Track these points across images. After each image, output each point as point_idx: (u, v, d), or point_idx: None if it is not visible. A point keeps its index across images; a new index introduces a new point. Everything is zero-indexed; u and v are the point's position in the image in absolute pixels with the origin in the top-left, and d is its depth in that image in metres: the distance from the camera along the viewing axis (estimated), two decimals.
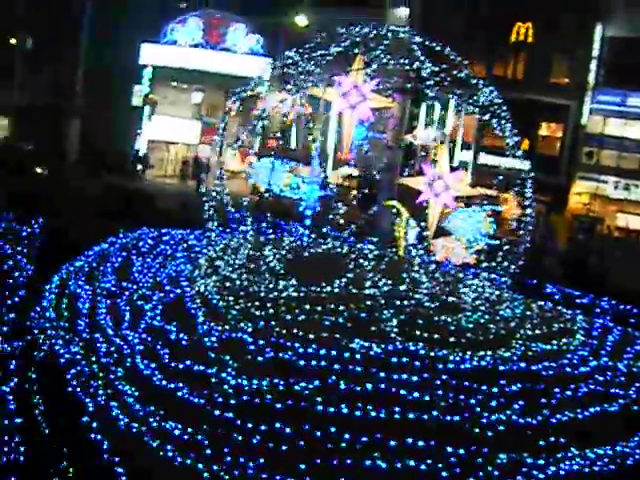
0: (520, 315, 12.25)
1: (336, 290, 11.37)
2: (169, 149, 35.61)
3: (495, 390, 9.22)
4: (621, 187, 29.19)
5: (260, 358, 9.04)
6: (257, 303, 10.68)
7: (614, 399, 9.87)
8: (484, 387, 9.16)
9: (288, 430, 7.55)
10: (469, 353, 10.08)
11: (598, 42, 29.59)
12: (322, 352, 9.31)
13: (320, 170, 13.20)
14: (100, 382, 8.49)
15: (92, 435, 7.46)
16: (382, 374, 8.94)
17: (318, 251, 12.73)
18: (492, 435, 8.20)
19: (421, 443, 7.68)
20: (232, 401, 8.07)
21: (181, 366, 8.83)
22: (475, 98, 13.04)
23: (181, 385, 8.37)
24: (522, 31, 30.59)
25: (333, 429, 7.68)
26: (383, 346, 9.74)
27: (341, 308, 10.71)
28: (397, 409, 8.24)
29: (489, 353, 10.27)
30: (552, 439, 8.31)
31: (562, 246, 25.86)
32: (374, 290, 11.48)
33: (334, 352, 9.35)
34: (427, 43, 12.37)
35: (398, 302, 11.15)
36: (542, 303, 13.76)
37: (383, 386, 8.68)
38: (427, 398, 8.62)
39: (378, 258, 12.49)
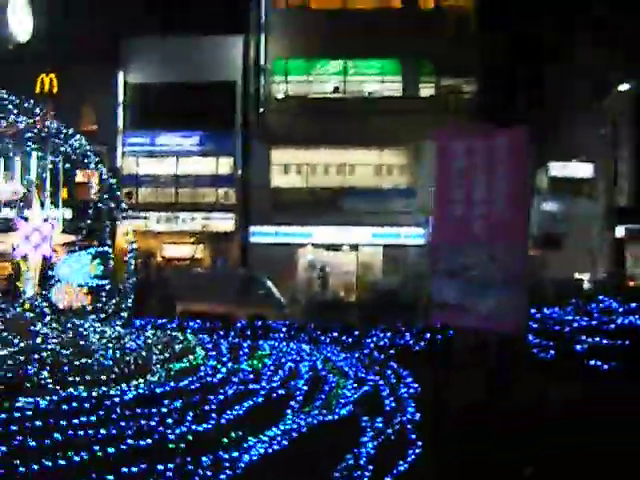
0: (145, 344, 13.21)
1: None
2: None
3: (165, 409, 10.06)
4: (163, 220, 31.74)
5: None
6: None
7: (254, 392, 11.49)
8: (155, 409, 9.92)
9: None
10: (124, 385, 10.72)
11: (122, 88, 31.80)
12: None
13: None
14: None
15: None
16: (62, 422, 9.09)
17: None
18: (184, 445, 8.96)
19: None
20: None
21: None
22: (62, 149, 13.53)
23: None
24: (47, 82, 31.13)
25: None
26: (48, 398, 9.82)
27: None
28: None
29: (141, 381, 11.06)
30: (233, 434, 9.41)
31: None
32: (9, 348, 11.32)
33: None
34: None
35: (37, 355, 11.21)
36: (154, 332, 14.91)
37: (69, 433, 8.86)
38: (114, 432, 9.06)
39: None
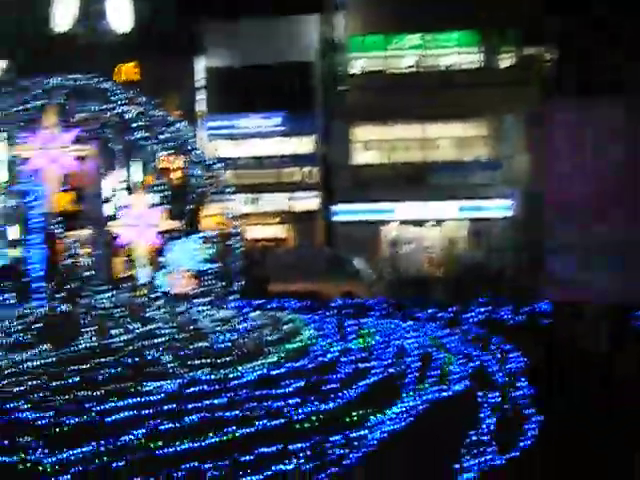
0: (254, 326, 13.43)
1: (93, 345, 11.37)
2: None
3: (288, 390, 10.18)
4: (248, 202, 32.06)
5: None
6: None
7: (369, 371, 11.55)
8: (277, 390, 10.07)
9: None
10: (244, 367, 10.93)
11: (201, 73, 32.25)
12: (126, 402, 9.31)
13: None
14: None
15: None
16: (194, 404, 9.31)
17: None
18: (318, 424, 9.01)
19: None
20: None
21: None
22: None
23: None
24: (128, 70, 31.74)
25: None
26: (174, 382, 10.07)
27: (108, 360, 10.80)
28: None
29: (259, 362, 11.26)
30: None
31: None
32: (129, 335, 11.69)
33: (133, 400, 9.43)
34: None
35: (157, 340, 11.54)
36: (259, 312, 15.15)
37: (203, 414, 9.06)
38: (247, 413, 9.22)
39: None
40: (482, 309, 18.31)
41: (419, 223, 31.73)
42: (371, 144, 32.62)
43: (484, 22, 30.38)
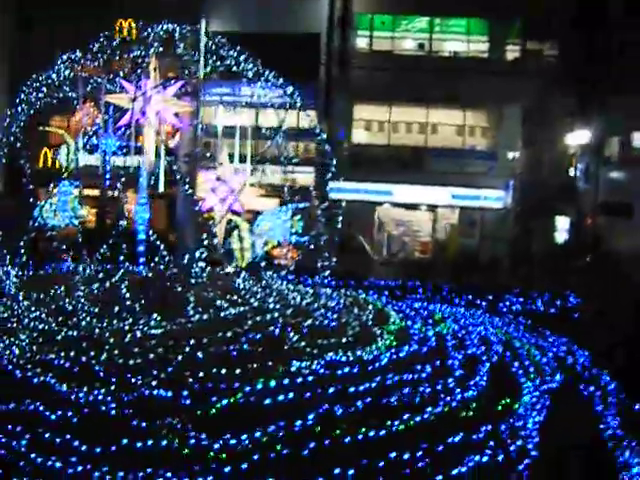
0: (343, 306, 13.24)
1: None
2: None
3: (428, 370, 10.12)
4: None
5: None
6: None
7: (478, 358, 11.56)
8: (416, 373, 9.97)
9: None
10: (373, 349, 10.82)
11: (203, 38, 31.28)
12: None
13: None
14: None
15: None
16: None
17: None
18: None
19: None
20: None
21: None
22: None
23: None
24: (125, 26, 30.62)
25: None
26: (316, 362, 9.84)
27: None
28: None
29: (380, 345, 11.15)
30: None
31: None
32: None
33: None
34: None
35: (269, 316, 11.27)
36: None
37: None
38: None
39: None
40: (516, 299, 18.65)
41: (413, 207, 31.94)
42: (372, 124, 32.53)
43: (492, 11, 30.62)
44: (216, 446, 7.17)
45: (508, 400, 9.37)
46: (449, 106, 31.12)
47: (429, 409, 8.57)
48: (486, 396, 9.51)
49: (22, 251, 12.55)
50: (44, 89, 12.95)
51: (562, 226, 31.30)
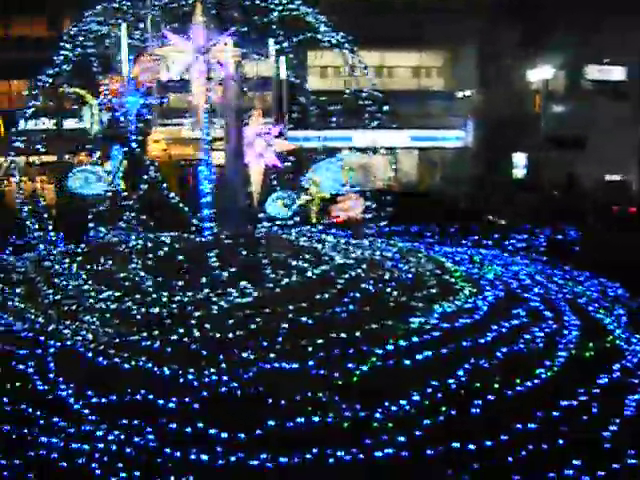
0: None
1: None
2: None
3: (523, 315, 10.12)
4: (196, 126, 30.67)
5: None
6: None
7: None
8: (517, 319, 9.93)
9: None
10: (463, 297, 10.80)
11: None
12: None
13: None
14: None
15: None
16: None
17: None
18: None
19: None
20: None
21: None
22: None
23: None
24: None
25: None
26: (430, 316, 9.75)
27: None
28: None
29: (467, 292, 11.13)
30: None
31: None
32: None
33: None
34: None
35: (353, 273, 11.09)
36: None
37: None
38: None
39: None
40: (519, 236, 18.93)
41: (372, 150, 31.91)
42: (327, 70, 32.12)
43: None
44: (377, 415, 6.92)
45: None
46: (405, 48, 31.04)
47: (560, 354, 8.67)
48: (588, 337, 9.60)
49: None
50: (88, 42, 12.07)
51: (520, 162, 32.06)
